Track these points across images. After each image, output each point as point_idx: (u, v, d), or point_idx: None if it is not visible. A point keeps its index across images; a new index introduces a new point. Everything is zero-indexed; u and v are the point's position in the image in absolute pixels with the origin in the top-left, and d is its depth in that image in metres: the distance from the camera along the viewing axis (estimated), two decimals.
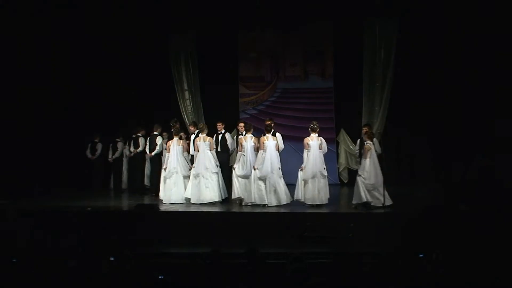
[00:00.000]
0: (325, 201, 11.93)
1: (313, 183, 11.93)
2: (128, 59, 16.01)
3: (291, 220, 11.25)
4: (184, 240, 10.28)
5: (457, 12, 13.67)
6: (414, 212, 11.18)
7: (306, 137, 12.21)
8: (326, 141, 12.63)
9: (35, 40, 14.82)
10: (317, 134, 12.13)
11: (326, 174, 12.02)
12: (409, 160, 15.54)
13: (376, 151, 12.24)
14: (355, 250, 9.13)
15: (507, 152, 12.86)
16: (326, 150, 12.51)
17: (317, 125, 12.22)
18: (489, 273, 6.06)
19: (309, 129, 12.18)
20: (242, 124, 13.03)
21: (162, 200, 13.06)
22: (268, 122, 12.67)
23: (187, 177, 13.00)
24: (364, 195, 11.44)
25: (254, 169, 12.10)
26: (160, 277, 6.32)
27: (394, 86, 14.81)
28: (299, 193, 12.00)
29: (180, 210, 12.34)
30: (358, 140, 12.75)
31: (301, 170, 12.05)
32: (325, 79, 16.37)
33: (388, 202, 11.42)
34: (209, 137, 12.87)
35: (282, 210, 11.87)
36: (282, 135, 12.75)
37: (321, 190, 11.93)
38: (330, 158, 13.69)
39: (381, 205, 11.35)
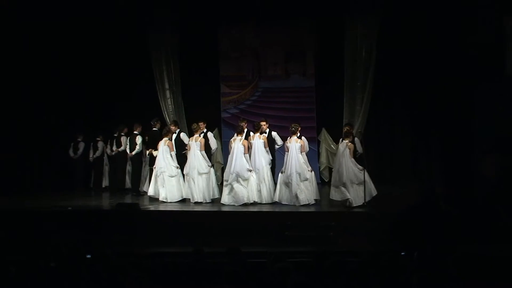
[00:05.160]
0: (305, 202, 12.02)
1: (293, 186, 12.06)
2: (109, 58, 15.96)
3: (273, 219, 11.29)
4: (165, 240, 10.28)
5: (439, 10, 13.72)
6: (395, 211, 11.23)
7: (287, 136, 12.41)
8: (307, 140, 12.71)
9: (18, 42, 14.70)
10: (296, 137, 12.24)
11: (308, 176, 12.10)
12: (391, 159, 15.59)
13: (357, 150, 12.32)
14: (337, 249, 9.19)
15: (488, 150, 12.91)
16: (308, 149, 12.61)
17: (296, 127, 12.34)
18: (469, 270, 6.11)
19: (290, 131, 12.38)
20: (242, 123, 13.08)
21: (153, 196, 13.18)
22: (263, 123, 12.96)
23: (173, 176, 13.00)
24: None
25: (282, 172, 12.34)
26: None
27: (375, 85, 14.84)
28: (277, 195, 12.31)
29: (160, 209, 12.35)
30: (340, 139, 12.77)
31: (282, 172, 12.33)
32: (307, 78, 16.37)
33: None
34: (200, 138, 12.92)
35: (264, 209, 11.91)
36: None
37: (302, 191, 12.04)
38: (311, 157, 13.70)
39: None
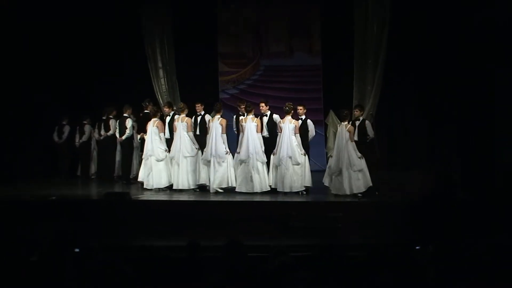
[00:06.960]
0: (294, 189, 12.07)
1: (282, 169, 12.09)
2: (96, 34, 15.85)
3: (275, 210, 11.26)
4: (158, 231, 10.24)
5: None
6: (408, 201, 11.22)
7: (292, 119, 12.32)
8: (313, 123, 12.65)
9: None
10: (290, 117, 12.19)
11: (300, 161, 12.04)
12: (404, 144, 15.54)
13: (368, 135, 12.27)
14: (344, 241, 9.16)
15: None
16: (314, 134, 12.58)
17: (290, 107, 12.27)
18: (487, 265, 6.08)
19: (284, 110, 12.35)
20: (243, 106, 13.00)
21: (143, 184, 13.14)
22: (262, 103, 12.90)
23: (161, 160, 12.92)
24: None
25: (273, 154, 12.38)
26: None
27: (387, 63, 14.76)
28: (271, 179, 12.39)
29: (153, 199, 12.33)
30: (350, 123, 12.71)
31: (273, 154, 12.35)
32: (313, 55, 16.37)
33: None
34: (187, 118, 12.84)
35: (265, 199, 11.89)
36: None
37: (291, 176, 12.04)
38: (318, 141, 13.66)
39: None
